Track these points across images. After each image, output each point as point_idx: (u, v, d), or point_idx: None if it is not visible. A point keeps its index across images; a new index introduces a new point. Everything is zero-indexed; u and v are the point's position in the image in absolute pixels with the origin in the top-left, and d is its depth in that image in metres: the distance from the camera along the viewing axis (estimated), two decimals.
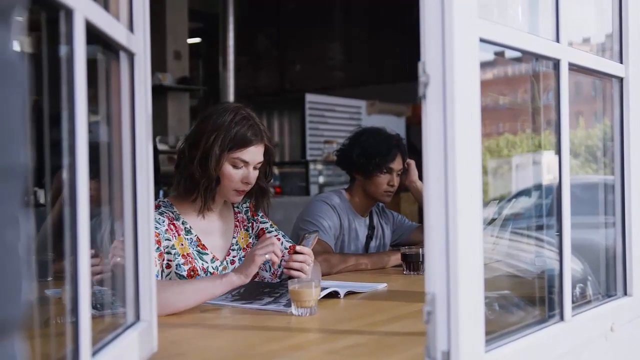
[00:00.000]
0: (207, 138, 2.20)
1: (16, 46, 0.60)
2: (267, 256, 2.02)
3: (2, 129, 0.56)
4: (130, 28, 1.38)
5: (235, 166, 2.23)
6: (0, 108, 0.56)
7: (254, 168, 2.27)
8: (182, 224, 2.26)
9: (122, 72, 1.38)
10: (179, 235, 2.23)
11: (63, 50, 1.04)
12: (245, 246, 2.41)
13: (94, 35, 1.14)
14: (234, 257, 2.36)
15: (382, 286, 2.39)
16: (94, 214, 1.13)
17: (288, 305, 1.94)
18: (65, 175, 1.04)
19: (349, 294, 2.22)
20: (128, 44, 1.34)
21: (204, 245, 2.28)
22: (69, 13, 1.02)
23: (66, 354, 1.05)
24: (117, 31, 1.27)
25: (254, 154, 2.25)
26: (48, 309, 1.39)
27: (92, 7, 1.10)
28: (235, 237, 2.39)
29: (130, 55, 1.38)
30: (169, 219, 2.21)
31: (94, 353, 1.12)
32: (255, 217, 2.47)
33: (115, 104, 1.38)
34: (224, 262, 2.32)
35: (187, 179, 2.24)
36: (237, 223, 2.42)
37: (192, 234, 2.26)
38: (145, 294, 1.41)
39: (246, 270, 2.02)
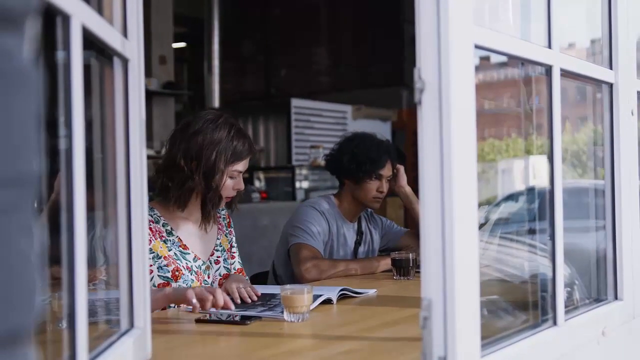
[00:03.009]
0: (209, 154, 2.27)
1: (29, 53, 0.60)
2: (194, 301, 1.94)
3: (15, 137, 0.56)
4: (125, 34, 1.37)
5: (231, 177, 2.34)
6: (13, 116, 0.56)
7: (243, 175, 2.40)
8: (163, 226, 2.32)
9: (115, 78, 1.37)
10: (156, 238, 2.28)
11: (59, 55, 1.04)
12: (226, 248, 2.50)
13: (89, 41, 1.14)
14: (218, 257, 2.45)
15: (372, 292, 2.39)
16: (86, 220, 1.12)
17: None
18: (62, 181, 1.03)
19: (342, 297, 2.23)
20: (122, 50, 1.33)
21: (185, 245, 2.34)
22: (66, 19, 1.01)
23: None
24: (112, 37, 1.26)
25: (247, 163, 2.38)
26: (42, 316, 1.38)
27: (88, 13, 1.09)
28: (219, 239, 2.48)
29: (125, 61, 1.37)
30: None
31: None
32: (229, 229, 2.56)
33: (109, 109, 1.38)
34: (207, 262, 2.40)
35: (188, 192, 2.30)
36: (220, 226, 2.51)
37: (173, 235, 2.33)
38: (139, 301, 1.41)
39: (178, 297, 2.04)
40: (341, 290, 2.23)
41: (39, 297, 0.60)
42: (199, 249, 2.38)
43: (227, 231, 2.54)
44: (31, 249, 0.58)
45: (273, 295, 2.23)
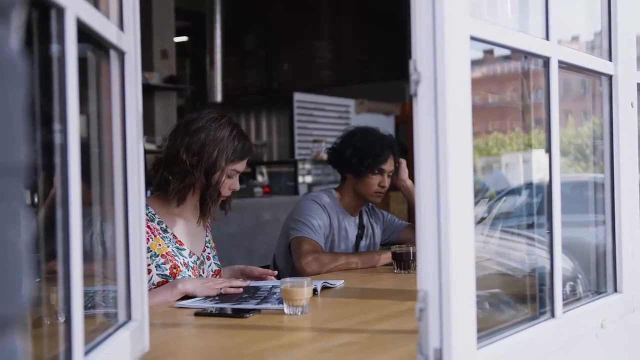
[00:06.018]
0: (211, 150, 2.31)
1: (16, 44, 0.60)
2: (222, 291, 2.17)
3: (3, 127, 0.56)
4: (121, 27, 1.37)
5: (229, 176, 2.37)
6: (0, 106, 0.56)
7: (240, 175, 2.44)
8: (158, 224, 2.35)
9: (112, 71, 1.37)
10: (155, 236, 2.31)
11: (54, 48, 1.04)
12: (213, 247, 2.56)
13: (84, 34, 1.14)
14: (208, 253, 2.50)
15: (339, 283, 2.43)
16: (84, 215, 1.13)
17: (281, 302, 1.94)
18: (57, 175, 1.03)
19: (325, 288, 2.28)
20: (119, 43, 1.33)
21: (180, 241, 2.38)
22: (60, 11, 1.01)
23: (58, 353, 1.04)
24: (108, 30, 1.26)
25: (245, 164, 2.43)
26: (37, 309, 1.39)
27: (83, 6, 1.09)
28: (207, 237, 2.53)
29: (121, 54, 1.37)
30: None
31: (86, 352, 1.12)
32: (209, 230, 2.60)
33: (106, 103, 1.38)
34: (201, 257, 2.45)
35: (187, 187, 2.33)
36: (208, 225, 2.55)
37: (168, 232, 2.36)
38: (136, 293, 1.41)
39: (196, 287, 2.16)
40: (322, 285, 2.26)
41: (27, 286, 0.60)
42: (192, 245, 2.42)
43: (211, 230, 2.59)
44: (19, 238, 0.59)
45: (257, 288, 2.25)
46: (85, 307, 1.14)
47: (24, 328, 0.60)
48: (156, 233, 2.31)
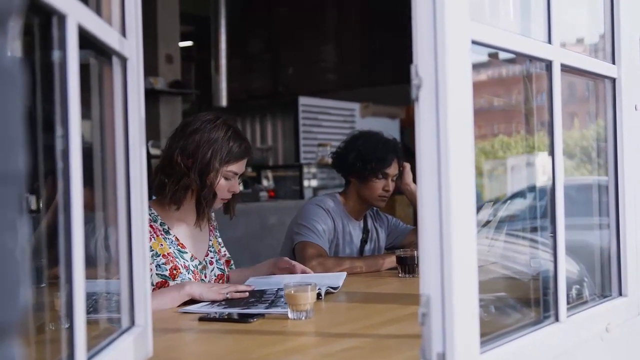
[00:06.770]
0: (204, 152, 2.31)
1: (13, 52, 0.60)
2: (228, 295, 2.16)
3: (1, 135, 0.57)
4: (123, 33, 1.37)
5: (226, 178, 2.37)
6: None
7: (239, 178, 2.43)
8: (161, 225, 2.35)
9: (114, 77, 1.37)
10: (157, 236, 2.32)
11: (55, 55, 1.04)
12: (217, 250, 2.54)
13: (86, 40, 1.14)
14: (211, 258, 2.49)
15: (342, 275, 2.46)
16: (87, 220, 1.13)
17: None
18: (59, 181, 1.03)
19: (328, 293, 2.27)
20: (121, 49, 1.34)
21: (182, 244, 2.38)
22: (62, 18, 1.01)
23: (61, 359, 1.05)
24: (110, 36, 1.27)
25: (243, 165, 2.41)
26: (41, 315, 1.39)
27: (84, 12, 1.10)
28: (211, 240, 2.52)
29: (123, 60, 1.37)
30: None
31: (89, 358, 1.12)
32: (216, 232, 2.59)
33: (108, 109, 1.38)
34: (203, 262, 2.44)
35: (183, 189, 2.33)
36: (211, 228, 2.55)
37: (171, 234, 2.36)
38: (140, 299, 1.41)
39: (202, 291, 2.15)
40: (326, 290, 2.26)
41: (24, 293, 0.60)
42: (195, 249, 2.42)
43: (216, 234, 2.59)
44: (16, 246, 0.59)
45: (264, 292, 2.25)
46: (88, 312, 1.14)
47: (22, 335, 0.60)
48: (158, 233, 2.32)
